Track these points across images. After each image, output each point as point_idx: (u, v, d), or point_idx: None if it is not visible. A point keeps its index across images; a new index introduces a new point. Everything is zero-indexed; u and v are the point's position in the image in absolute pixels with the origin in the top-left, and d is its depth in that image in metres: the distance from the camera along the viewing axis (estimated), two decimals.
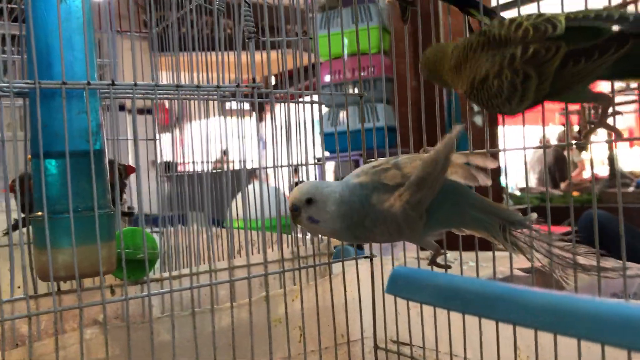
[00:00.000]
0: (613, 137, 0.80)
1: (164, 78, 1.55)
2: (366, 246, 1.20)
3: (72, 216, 0.88)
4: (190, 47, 1.21)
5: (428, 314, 1.05)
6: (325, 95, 1.24)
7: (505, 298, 0.53)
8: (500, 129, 1.07)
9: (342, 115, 3.27)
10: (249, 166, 1.22)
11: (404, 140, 1.10)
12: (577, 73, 0.71)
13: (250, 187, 1.95)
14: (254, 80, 1.03)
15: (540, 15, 0.73)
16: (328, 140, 1.19)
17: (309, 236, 1.32)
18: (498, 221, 0.82)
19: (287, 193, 1.51)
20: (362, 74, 3.34)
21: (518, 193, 4.84)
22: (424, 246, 0.87)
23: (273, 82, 1.11)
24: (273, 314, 1.06)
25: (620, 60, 0.69)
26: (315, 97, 1.22)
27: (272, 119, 1.11)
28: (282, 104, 1.29)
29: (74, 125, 0.91)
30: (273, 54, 1.13)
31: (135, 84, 0.95)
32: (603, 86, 0.83)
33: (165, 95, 1.01)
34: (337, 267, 1.18)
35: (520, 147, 0.91)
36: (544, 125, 0.87)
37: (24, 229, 0.98)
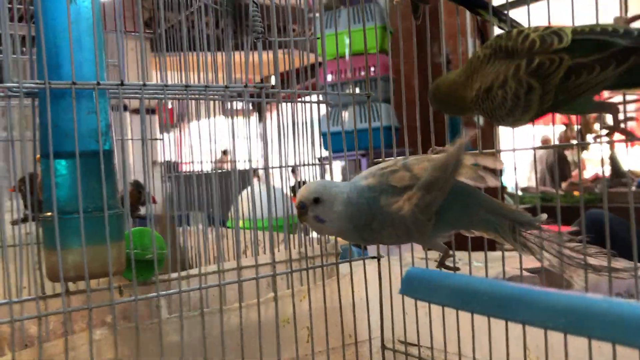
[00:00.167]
0: (614, 138, 0.80)
1: (167, 78, 1.55)
2: (373, 247, 1.20)
3: (82, 216, 0.88)
4: (187, 47, 1.21)
5: (436, 314, 1.05)
6: (333, 95, 1.24)
7: (522, 299, 0.52)
8: (501, 129, 1.08)
9: (344, 115, 3.27)
10: (253, 166, 1.22)
11: (404, 139, 1.10)
12: (580, 85, 0.71)
13: (253, 187, 1.95)
14: (262, 80, 1.03)
15: (547, 27, 0.74)
16: (335, 140, 1.19)
17: (315, 236, 1.32)
18: (507, 222, 0.82)
19: (288, 193, 1.52)
20: (363, 74, 3.35)
21: (520, 193, 4.85)
22: (433, 248, 0.87)
23: (273, 82, 1.11)
24: (281, 314, 1.06)
25: (624, 73, 0.70)
26: (321, 97, 1.22)
27: (278, 119, 1.11)
28: (286, 104, 1.29)
29: (83, 126, 0.91)
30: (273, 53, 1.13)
31: (144, 84, 0.95)
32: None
33: (173, 95, 1.01)
34: (344, 268, 1.18)
35: (529, 147, 0.91)
36: (554, 124, 0.87)
37: (32, 230, 0.98)
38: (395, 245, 1.09)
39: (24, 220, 0.94)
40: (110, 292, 0.91)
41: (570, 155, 4.88)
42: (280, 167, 1.09)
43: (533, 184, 4.75)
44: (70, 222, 0.89)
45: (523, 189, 4.93)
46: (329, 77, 3.03)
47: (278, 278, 1.06)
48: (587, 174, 5.05)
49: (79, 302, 0.99)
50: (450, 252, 0.90)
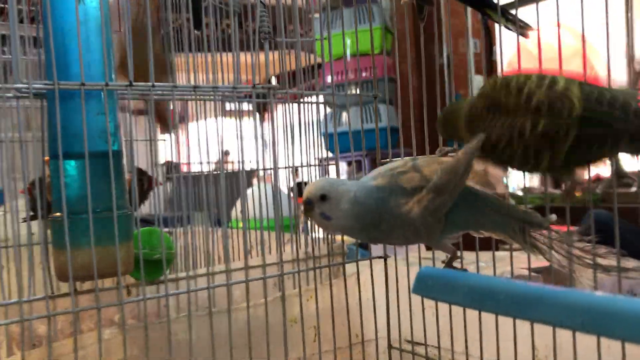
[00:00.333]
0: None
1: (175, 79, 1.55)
2: (379, 246, 1.20)
3: (91, 217, 0.88)
4: (193, 47, 1.21)
5: (443, 313, 1.05)
6: (340, 96, 1.24)
7: (539, 298, 0.53)
8: None
9: (344, 115, 3.28)
10: (255, 167, 1.22)
11: (406, 140, 1.10)
12: (591, 153, 0.70)
13: (255, 187, 1.96)
14: (269, 81, 1.03)
15: (552, 81, 0.70)
16: (341, 140, 1.19)
17: (320, 235, 1.33)
18: (516, 223, 0.82)
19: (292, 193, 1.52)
20: (363, 74, 3.35)
21: (520, 193, 4.84)
22: (441, 249, 0.88)
23: (274, 82, 1.12)
24: (288, 314, 1.06)
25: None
26: (328, 98, 1.22)
27: (284, 119, 1.12)
28: (290, 104, 1.29)
29: (92, 126, 0.92)
30: (276, 53, 1.13)
31: (153, 85, 0.95)
32: None
33: (182, 96, 1.01)
34: (351, 267, 1.18)
35: None
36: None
37: (36, 230, 0.98)
38: (403, 245, 1.09)
39: (33, 218, 0.95)
40: (119, 291, 0.91)
41: None
42: (287, 167, 1.10)
43: (534, 184, 4.75)
44: (80, 222, 0.90)
45: (524, 190, 4.92)
46: (331, 78, 3.03)
47: (284, 277, 1.06)
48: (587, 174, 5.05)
49: (87, 301, 0.99)
50: (458, 253, 0.90)
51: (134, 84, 0.93)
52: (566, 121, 0.68)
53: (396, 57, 1.14)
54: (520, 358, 0.92)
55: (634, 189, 4.10)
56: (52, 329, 0.91)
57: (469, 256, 0.99)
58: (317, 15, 1.50)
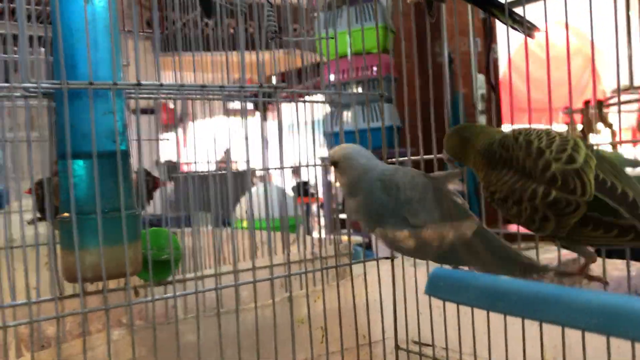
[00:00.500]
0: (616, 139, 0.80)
1: (168, 78, 1.55)
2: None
3: (99, 217, 0.88)
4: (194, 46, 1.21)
5: (451, 314, 1.05)
6: (344, 94, 1.24)
7: (553, 299, 0.52)
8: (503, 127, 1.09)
9: (348, 114, 3.27)
10: (257, 166, 1.22)
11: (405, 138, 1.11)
12: (596, 237, 0.69)
13: (260, 187, 1.96)
14: (269, 79, 1.04)
15: (570, 156, 0.69)
16: (346, 139, 1.19)
17: (325, 236, 1.32)
18: (518, 266, 0.82)
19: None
20: (365, 73, 3.35)
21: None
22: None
23: (275, 81, 1.12)
24: (295, 315, 1.06)
25: None
26: (332, 96, 1.22)
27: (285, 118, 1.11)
28: (295, 103, 1.29)
29: (100, 126, 0.91)
30: (278, 52, 1.13)
31: (161, 85, 0.95)
32: None
33: (189, 96, 1.01)
34: (358, 268, 1.18)
35: None
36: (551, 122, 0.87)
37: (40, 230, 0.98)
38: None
39: (40, 219, 0.94)
40: (127, 292, 0.91)
41: None
42: (294, 167, 1.09)
43: None
44: (88, 222, 0.89)
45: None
46: (333, 77, 3.03)
47: (291, 278, 1.06)
48: None
49: (94, 302, 0.99)
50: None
51: (142, 83, 0.93)
52: (577, 199, 0.68)
53: (403, 56, 1.13)
54: (528, 359, 0.92)
55: None
56: (60, 330, 0.91)
57: None
58: (316, 14, 1.50)
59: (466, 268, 0.89)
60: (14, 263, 0.98)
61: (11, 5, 1.17)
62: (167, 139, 1.62)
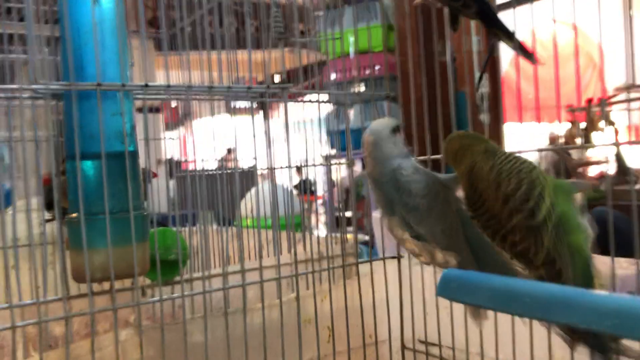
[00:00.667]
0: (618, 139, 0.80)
1: (171, 78, 1.54)
2: (392, 246, 1.20)
3: (108, 217, 0.88)
4: (197, 45, 1.20)
5: (458, 313, 1.05)
6: (352, 94, 1.24)
7: (566, 301, 0.52)
8: (507, 128, 1.09)
9: (350, 113, 3.27)
10: (260, 165, 1.22)
11: (409, 137, 1.10)
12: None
13: (264, 185, 1.96)
14: (287, 80, 1.04)
15: (538, 197, 0.71)
16: (342, 138, 1.19)
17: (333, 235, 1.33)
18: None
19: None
20: (367, 72, 3.35)
21: None
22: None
23: (277, 80, 1.12)
24: (302, 314, 1.06)
25: None
26: (337, 96, 1.22)
27: (286, 118, 1.11)
28: (302, 103, 1.29)
29: (108, 127, 0.91)
30: (282, 52, 1.13)
31: (169, 86, 0.95)
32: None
33: (197, 96, 1.01)
34: (364, 267, 1.18)
35: (535, 147, 0.92)
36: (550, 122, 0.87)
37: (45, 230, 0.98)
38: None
39: (48, 220, 0.95)
40: (136, 292, 0.91)
41: (575, 153, 4.88)
42: (301, 166, 1.09)
43: None
44: (96, 223, 0.89)
45: None
46: (335, 76, 3.03)
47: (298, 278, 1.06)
48: (592, 172, 5.05)
49: (101, 302, 0.99)
50: None
51: (150, 84, 0.93)
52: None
53: (410, 55, 1.13)
54: (536, 358, 0.92)
55: (638, 186, 4.10)
56: (68, 330, 0.91)
57: None
58: (320, 13, 1.49)
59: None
60: (18, 262, 0.98)
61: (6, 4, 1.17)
62: (172, 138, 1.62)
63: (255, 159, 1.08)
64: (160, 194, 1.40)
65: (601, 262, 1.12)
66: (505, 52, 1.02)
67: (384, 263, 1.17)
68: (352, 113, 2.80)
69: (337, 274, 1.19)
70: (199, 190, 1.37)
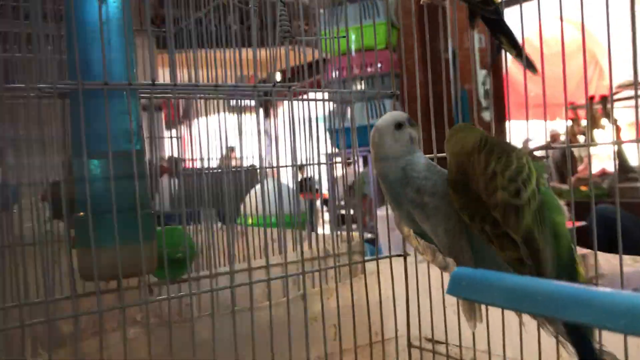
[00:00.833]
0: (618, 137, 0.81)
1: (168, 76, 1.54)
2: (399, 245, 1.20)
3: (115, 216, 0.88)
4: (203, 44, 1.21)
5: None
6: (356, 92, 1.24)
7: (580, 299, 0.52)
8: (510, 126, 1.09)
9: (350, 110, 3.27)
10: (262, 164, 1.22)
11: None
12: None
13: (267, 184, 1.95)
14: (290, 79, 1.03)
15: (525, 179, 0.73)
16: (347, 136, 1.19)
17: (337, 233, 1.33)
18: None
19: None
20: (369, 69, 3.35)
21: None
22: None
23: (277, 79, 1.12)
24: (309, 312, 1.06)
25: None
26: (342, 94, 1.22)
27: (304, 117, 1.12)
28: (305, 102, 1.29)
29: (115, 126, 0.91)
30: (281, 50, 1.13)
31: (175, 84, 0.95)
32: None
33: (204, 95, 1.01)
34: (370, 265, 1.18)
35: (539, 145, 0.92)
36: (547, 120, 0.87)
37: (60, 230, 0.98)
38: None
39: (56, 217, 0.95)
40: (144, 291, 0.91)
41: (576, 150, 4.88)
42: (308, 164, 1.10)
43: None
44: (104, 221, 0.90)
45: None
46: (338, 74, 3.03)
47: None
48: (594, 169, 5.05)
49: (108, 301, 0.99)
50: None
51: (157, 83, 0.93)
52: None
53: (416, 53, 1.13)
54: (544, 356, 0.92)
55: (639, 183, 4.10)
56: (75, 328, 0.91)
57: None
58: (322, 11, 1.49)
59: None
60: (24, 261, 0.98)
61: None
62: (176, 137, 1.62)
63: (260, 157, 1.08)
64: (164, 193, 1.40)
65: (605, 260, 1.13)
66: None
67: (390, 261, 1.17)
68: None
69: (343, 271, 1.19)
70: (198, 188, 1.38)
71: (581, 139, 4.57)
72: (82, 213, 0.91)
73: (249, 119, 1.08)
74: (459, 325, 1.06)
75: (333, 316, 1.10)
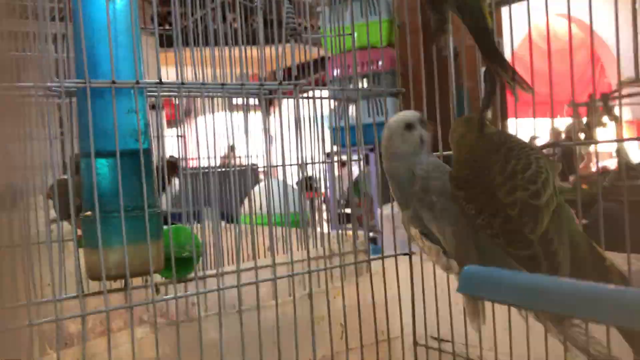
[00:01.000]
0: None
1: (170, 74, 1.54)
2: (404, 243, 1.20)
3: (122, 215, 0.88)
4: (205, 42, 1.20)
5: None
6: (362, 90, 1.24)
7: (593, 297, 0.52)
8: (510, 124, 1.10)
9: (351, 109, 3.27)
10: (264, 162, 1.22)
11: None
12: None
13: (267, 183, 1.95)
14: (296, 77, 1.03)
15: (544, 183, 0.73)
16: (343, 135, 1.19)
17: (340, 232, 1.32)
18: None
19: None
20: (372, 67, 3.34)
21: None
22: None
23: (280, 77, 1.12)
24: (315, 311, 1.06)
25: None
26: (347, 92, 1.22)
27: (311, 115, 1.11)
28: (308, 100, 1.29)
29: (122, 124, 0.91)
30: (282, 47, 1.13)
31: (183, 83, 0.95)
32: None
33: (211, 94, 1.01)
34: (376, 264, 1.18)
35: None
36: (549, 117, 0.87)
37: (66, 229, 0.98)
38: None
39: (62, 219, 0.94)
40: (151, 290, 0.91)
41: (577, 148, 4.89)
42: (314, 163, 1.09)
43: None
44: (111, 220, 0.90)
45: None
46: (339, 72, 3.03)
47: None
48: (594, 167, 5.05)
49: (115, 300, 0.99)
50: None
51: (164, 81, 0.93)
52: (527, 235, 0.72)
53: (422, 51, 1.13)
54: (551, 355, 0.92)
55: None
56: (84, 328, 0.91)
57: None
58: (322, 8, 1.49)
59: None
60: (33, 260, 0.98)
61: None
62: (180, 135, 1.62)
63: (264, 155, 1.08)
64: (172, 191, 1.40)
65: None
66: (507, 50, 1.02)
67: (396, 260, 1.17)
68: (354, 109, 2.80)
69: (348, 270, 1.19)
70: (201, 187, 1.37)
71: (581, 136, 4.57)
72: (89, 212, 0.90)
73: (249, 117, 1.08)
74: (464, 324, 1.06)
75: (339, 315, 1.10)
